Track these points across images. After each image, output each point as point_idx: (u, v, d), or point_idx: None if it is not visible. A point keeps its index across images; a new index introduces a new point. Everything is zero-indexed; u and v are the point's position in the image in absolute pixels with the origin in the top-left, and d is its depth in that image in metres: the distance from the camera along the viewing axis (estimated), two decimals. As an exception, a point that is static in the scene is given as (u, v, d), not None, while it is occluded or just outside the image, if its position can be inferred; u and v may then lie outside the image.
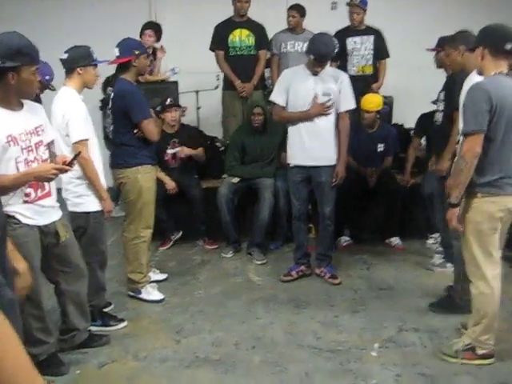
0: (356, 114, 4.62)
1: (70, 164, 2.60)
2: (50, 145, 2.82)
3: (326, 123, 3.98)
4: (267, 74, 5.71)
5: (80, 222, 3.28)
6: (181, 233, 5.08)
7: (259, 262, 4.59)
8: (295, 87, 3.97)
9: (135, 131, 3.63)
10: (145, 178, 3.68)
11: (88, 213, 3.27)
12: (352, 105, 4.06)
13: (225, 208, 4.74)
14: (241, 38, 5.30)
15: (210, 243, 5.01)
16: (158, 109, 4.68)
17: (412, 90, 5.99)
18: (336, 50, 3.94)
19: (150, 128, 3.62)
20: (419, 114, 4.95)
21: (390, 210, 4.89)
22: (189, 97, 5.98)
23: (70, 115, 3.14)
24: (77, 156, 2.67)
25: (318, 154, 3.99)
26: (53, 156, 2.80)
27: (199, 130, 5.57)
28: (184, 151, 4.90)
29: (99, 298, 3.47)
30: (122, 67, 3.64)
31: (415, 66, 5.71)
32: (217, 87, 5.87)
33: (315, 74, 3.93)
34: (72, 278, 2.98)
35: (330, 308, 3.74)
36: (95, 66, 3.26)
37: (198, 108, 6.17)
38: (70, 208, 3.30)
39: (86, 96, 3.35)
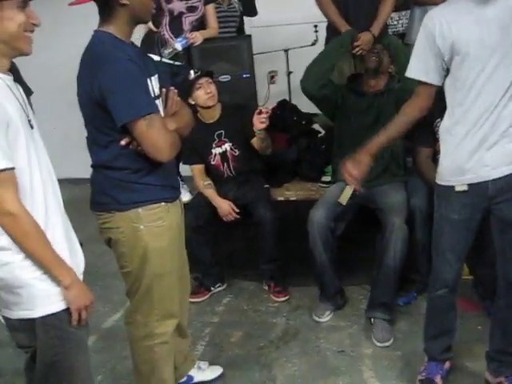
0: None
1: None
2: None
3: None
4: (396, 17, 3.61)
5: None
6: (225, 286, 3.33)
7: (380, 344, 2.67)
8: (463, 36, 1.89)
9: (123, 141, 1.79)
10: (154, 229, 1.88)
11: (33, 319, 1.53)
12: None
13: (320, 244, 2.81)
14: None
15: (278, 293, 3.17)
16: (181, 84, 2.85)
17: None
18: None
19: (154, 134, 1.73)
20: None
21: None
22: (275, 58, 4.47)
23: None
24: None
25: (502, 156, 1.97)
26: None
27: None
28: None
29: None
30: (101, 11, 1.81)
31: None
32: (314, 43, 4.24)
33: None
34: None
35: None
36: (23, 2, 1.44)
37: (289, 73, 4.67)
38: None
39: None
